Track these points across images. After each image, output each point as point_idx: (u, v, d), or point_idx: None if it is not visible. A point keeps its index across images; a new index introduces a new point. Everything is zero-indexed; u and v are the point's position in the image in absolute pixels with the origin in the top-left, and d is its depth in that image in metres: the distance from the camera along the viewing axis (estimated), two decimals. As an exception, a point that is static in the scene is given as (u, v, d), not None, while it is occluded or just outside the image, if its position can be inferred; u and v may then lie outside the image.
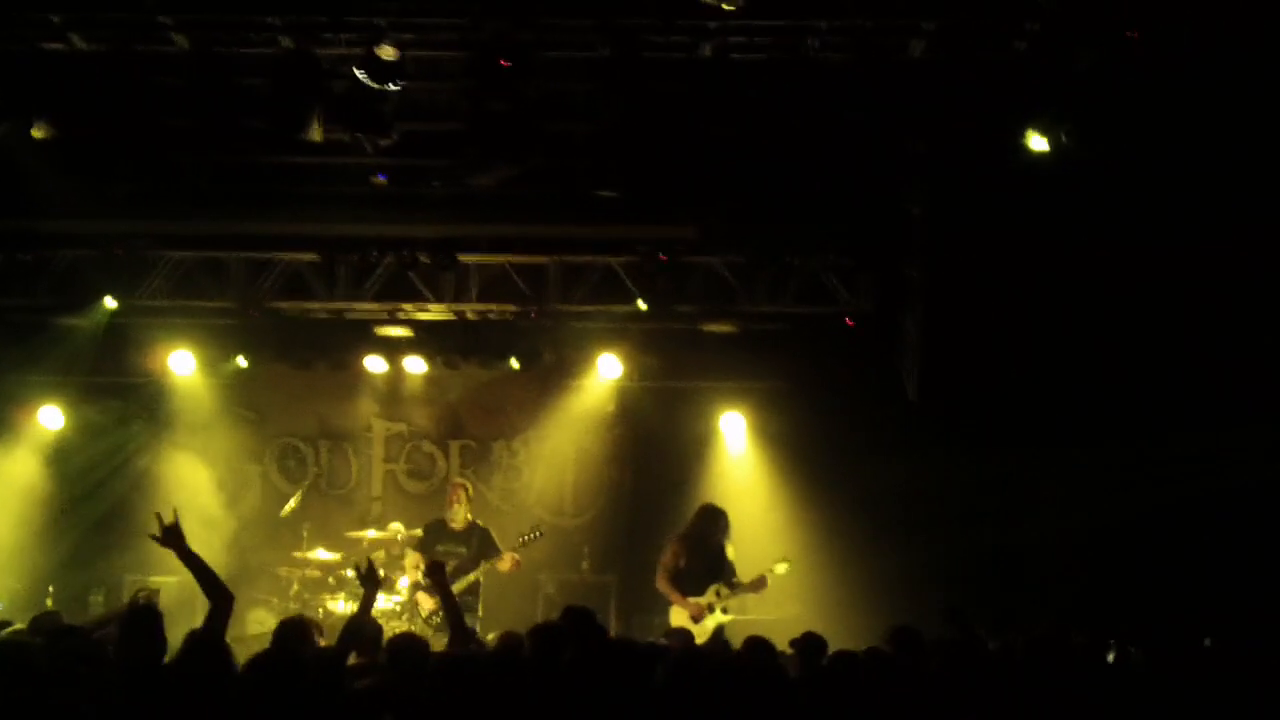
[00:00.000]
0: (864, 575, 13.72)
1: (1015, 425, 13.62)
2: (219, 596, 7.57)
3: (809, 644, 8.63)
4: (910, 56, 10.87)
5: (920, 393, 14.06)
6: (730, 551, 13.00)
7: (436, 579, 9.24)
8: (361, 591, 8.13)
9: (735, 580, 12.84)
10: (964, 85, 10.95)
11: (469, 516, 13.37)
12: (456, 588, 12.55)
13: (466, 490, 13.60)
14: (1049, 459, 13.55)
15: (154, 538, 7.81)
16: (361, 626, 7.97)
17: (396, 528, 13.83)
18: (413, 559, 13.07)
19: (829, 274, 14.29)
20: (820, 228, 13.46)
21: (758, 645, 8.38)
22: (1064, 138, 10.92)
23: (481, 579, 13.01)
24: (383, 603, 13.16)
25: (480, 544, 13.14)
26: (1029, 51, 10.75)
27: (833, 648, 8.33)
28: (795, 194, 12.68)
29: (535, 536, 13.33)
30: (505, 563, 13.04)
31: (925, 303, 13.88)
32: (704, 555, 12.93)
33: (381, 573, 8.56)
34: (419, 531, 13.52)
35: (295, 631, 8.15)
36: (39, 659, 7.03)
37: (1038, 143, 11.11)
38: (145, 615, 7.78)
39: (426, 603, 12.76)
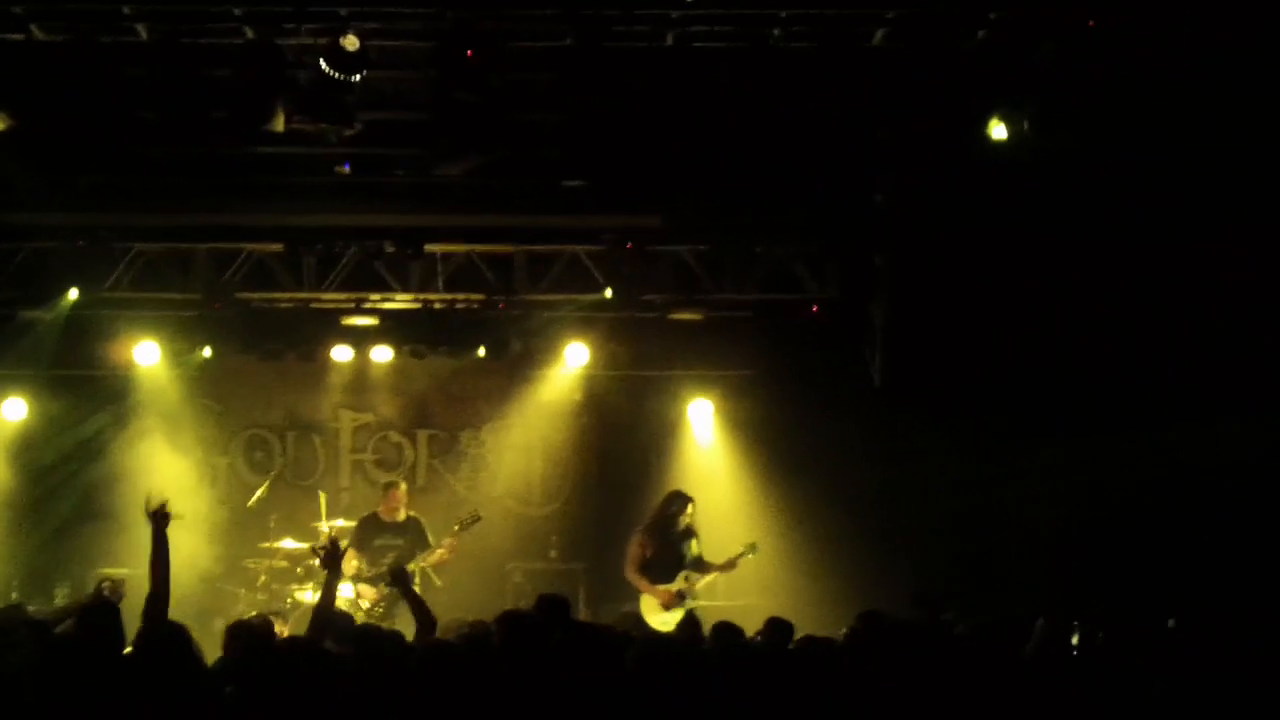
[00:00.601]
0: (833, 563, 13.80)
1: (982, 413, 13.71)
2: (163, 586, 7.64)
3: (775, 629, 8.69)
4: (873, 45, 10.91)
5: (885, 379, 14.13)
6: (697, 538, 13.06)
7: (402, 587, 9.16)
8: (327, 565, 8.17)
9: (705, 562, 12.90)
10: (927, 74, 10.97)
11: (408, 511, 13.43)
12: None
13: (403, 486, 13.69)
14: (1016, 447, 13.64)
15: (150, 513, 7.89)
16: (330, 613, 7.99)
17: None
18: (349, 554, 13.03)
19: (795, 262, 14.36)
20: (786, 215, 13.49)
21: (725, 630, 8.44)
22: (1026, 127, 10.99)
23: (421, 569, 12.93)
24: (310, 595, 13.19)
25: (416, 536, 13.20)
26: (991, 40, 10.81)
27: (800, 634, 8.39)
28: (761, 182, 12.70)
29: (472, 521, 13.31)
30: (434, 557, 13.04)
31: (891, 290, 13.94)
32: (670, 543, 12.98)
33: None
34: (337, 523, 13.53)
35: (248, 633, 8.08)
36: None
37: (999, 131, 11.19)
38: (102, 608, 7.78)
39: (368, 594, 12.81)
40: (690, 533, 13.05)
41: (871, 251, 14.03)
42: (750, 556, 12.95)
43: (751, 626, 8.90)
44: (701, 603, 12.75)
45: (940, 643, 7.96)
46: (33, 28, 10.32)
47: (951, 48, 10.80)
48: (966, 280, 13.39)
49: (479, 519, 13.42)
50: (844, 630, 8.62)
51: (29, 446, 15.01)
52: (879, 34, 10.78)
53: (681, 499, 13.14)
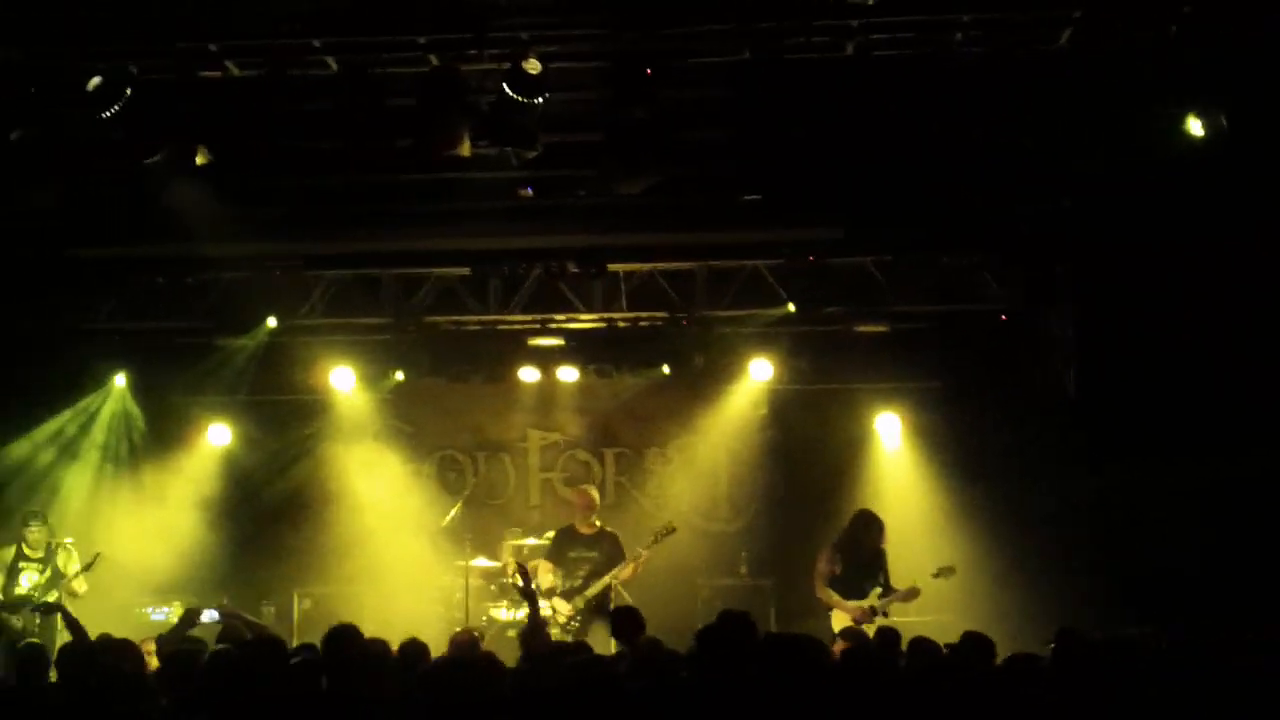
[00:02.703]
0: (1023, 578, 13.45)
1: (1178, 424, 13.23)
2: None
3: (973, 644, 8.52)
4: (1058, 46, 10.66)
5: (1079, 390, 13.78)
6: (886, 558, 12.90)
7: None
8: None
9: (891, 586, 12.75)
10: (1115, 73, 10.69)
11: (598, 522, 13.49)
12: (590, 592, 12.79)
13: (594, 495, 13.76)
14: (1215, 460, 13.10)
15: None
16: (535, 635, 8.20)
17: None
18: (545, 567, 13.19)
19: (979, 270, 14.11)
20: (969, 224, 13.25)
21: (922, 645, 8.31)
22: (1224, 123, 10.61)
23: (613, 584, 13.06)
24: (505, 613, 13.38)
25: (611, 549, 13.23)
26: (1184, 34, 10.46)
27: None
28: (943, 190, 12.50)
29: (667, 533, 13.33)
30: (629, 568, 13.07)
31: (1078, 298, 13.61)
32: (859, 561, 12.86)
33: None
34: (550, 537, 13.65)
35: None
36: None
37: (1196, 129, 10.81)
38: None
39: (563, 609, 12.89)
40: (881, 555, 12.90)
41: (1058, 259, 13.71)
42: (938, 582, 12.74)
43: (942, 641, 8.74)
44: (893, 619, 12.55)
45: (1145, 659, 7.73)
46: (229, 64, 10.65)
47: (1142, 45, 10.48)
48: (1159, 287, 12.98)
49: (674, 530, 13.46)
50: (1048, 647, 8.41)
51: (234, 470, 15.52)
52: (1065, 35, 10.53)
53: (873, 521, 12.99)
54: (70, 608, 11.25)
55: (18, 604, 12.82)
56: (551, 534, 13.85)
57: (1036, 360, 14.15)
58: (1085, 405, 13.69)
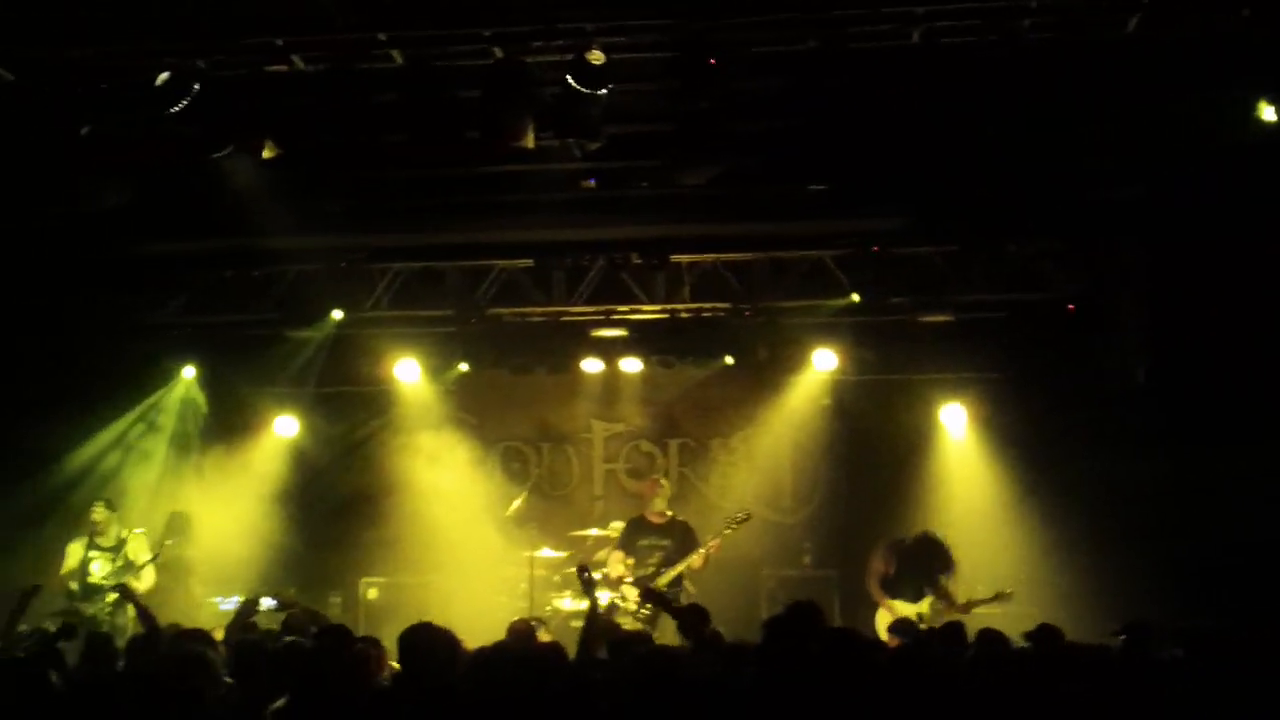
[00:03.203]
0: (1092, 568, 13.32)
1: (1248, 413, 13.06)
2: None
3: (1045, 635, 8.46)
4: (1127, 32, 10.53)
5: (1149, 377, 13.63)
6: (946, 581, 12.82)
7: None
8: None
9: (951, 597, 12.68)
10: (1185, 57, 10.55)
11: (668, 511, 13.48)
12: (662, 580, 12.82)
13: (664, 485, 13.76)
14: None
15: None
16: (595, 625, 8.25)
17: (618, 526, 13.99)
18: (616, 556, 13.22)
19: (1045, 259, 13.99)
20: (1034, 212, 13.13)
21: (991, 637, 8.25)
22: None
23: (685, 573, 13.08)
24: (569, 603, 13.42)
25: (683, 537, 13.22)
26: (1255, 18, 10.30)
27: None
28: (1007, 178, 12.39)
29: (743, 519, 13.31)
30: (698, 559, 13.07)
31: (1148, 285, 13.46)
32: (914, 570, 12.85)
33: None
34: (617, 528, 13.66)
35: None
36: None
37: (1270, 114, 10.65)
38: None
39: (634, 597, 12.90)
40: (939, 568, 12.83)
41: (1125, 246, 13.56)
42: (992, 601, 12.62)
43: (1014, 632, 8.68)
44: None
45: (1220, 652, 7.63)
46: (295, 58, 10.72)
47: (1213, 29, 10.33)
48: (1229, 273, 12.81)
49: (749, 517, 13.46)
50: (1117, 637, 8.35)
51: (301, 461, 15.66)
52: (1133, 20, 10.39)
53: (939, 554, 12.91)
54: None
55: (90, 591, 12.97)
56: (618, 524, 13.89)
57: (1104, 348, 13.98)
58: (1155, 392, 13.52)
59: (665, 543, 13.23)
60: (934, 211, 13.06)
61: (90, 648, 8.84)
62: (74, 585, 13.06)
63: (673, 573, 12.96)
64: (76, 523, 13.74)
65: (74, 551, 13.28)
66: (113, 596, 12.57)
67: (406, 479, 15.42)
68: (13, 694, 6.69)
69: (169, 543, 13.46)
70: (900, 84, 10.80)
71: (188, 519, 14.48)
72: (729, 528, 13.20)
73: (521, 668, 7.15)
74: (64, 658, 8.53)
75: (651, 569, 13.03)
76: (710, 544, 13.08)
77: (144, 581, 12.83)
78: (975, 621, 10.25)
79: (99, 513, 13.36)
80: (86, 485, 14.59)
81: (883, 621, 12.44)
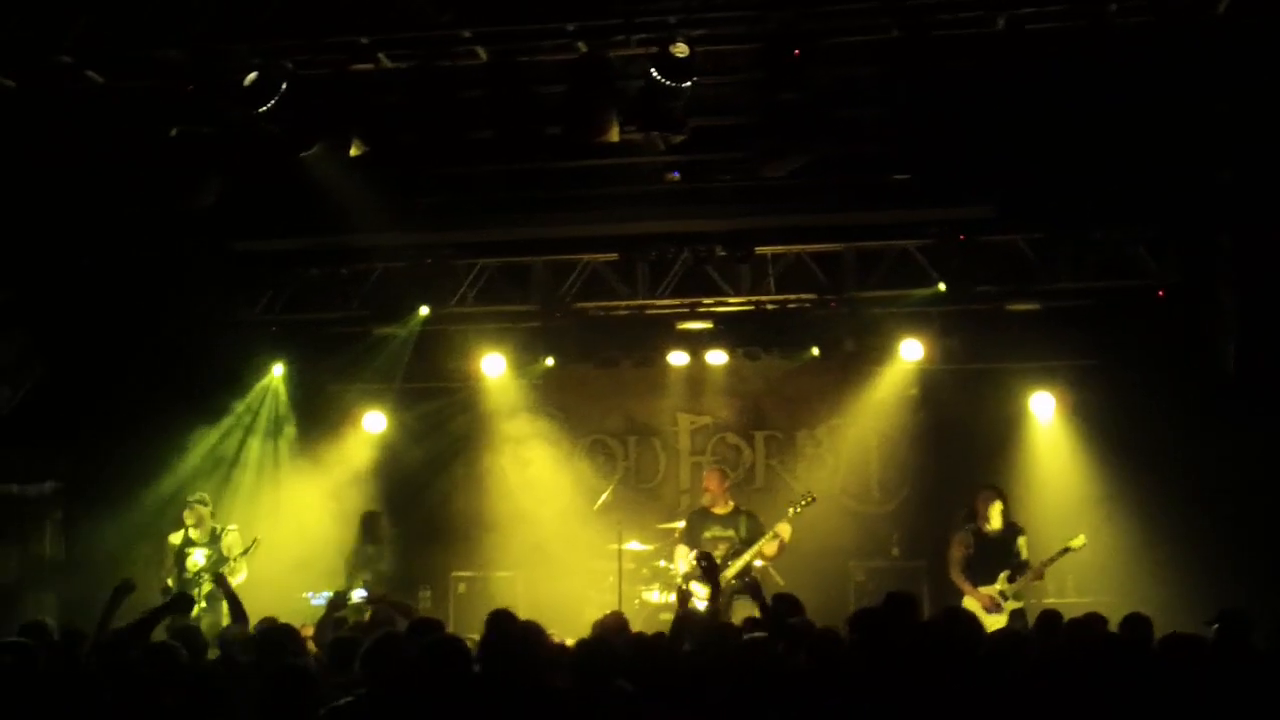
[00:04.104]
0: (1184, 559, 13.14)
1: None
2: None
3: (1135, 626, 8.38)
4: (1216, 14, 10.38)
5: (1239, 367, 13.42)
6: (1024, 535, 12.75)
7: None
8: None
9: (1027, 563, 12.58)
10: (1274, 41, 10.38)
11: (732, 502, 13.49)
12: (730, 571, 12.71)
13: (725, 473, 13.78)
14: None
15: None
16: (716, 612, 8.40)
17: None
18: (681, 551, 13.23)
19: (1134, 246, 13.82)
20: (1123, 198, 12.97)
21: (1081, 625, 8.18)
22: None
23: (755, 562, 13.01)
24: (657, 595, 13.42)
25: (749, 527, 13.20)
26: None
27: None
28: (1096, 165, 12.26)
29: (808, 502, 13.26)
30: (770, 545, 13.01)
31: (1239, 272, 13.25)
32: (989, 541, 12.74)
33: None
34: (679, 524, 13.69)
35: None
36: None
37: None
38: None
39: (704, 590, 12.89)
40: (1013, 531, 12.74)
41: (1217, 233, 13.36)
42: (1072, 552, 12.51)
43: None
44: (1055, 601, 12.35)
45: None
46: (381, 56, 10.83)
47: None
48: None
49: (814, 500, 13.39)
50: (1210, 627, 8.24)
51: (390, 456, 15.80)
52: (1224, 3, 10.24)
53: (985, 495, 12.83)
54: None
55: (187, 584, 13.19)
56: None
57: (1195, 335, 13.79)
58: (1247, 378, 13.30)
59: (729, 533, 13.19)
60: (1020, 199, 12.94)
61: (175, 636, 8.98)
62: (170, 580, 13.30)
63: (740, 563, 12.88)
64: (176, 514, 13.99)
65: (172, 544, 13.56)
66: (208, 587, 12.79)
67: (494, 474, 15.57)
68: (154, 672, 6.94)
69: (257, 538, 13.55)
70: (985, 71, 10.72)
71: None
72: (795, 510, 13.15)
73: (631, 659, 7.20)
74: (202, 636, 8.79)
75: (718, 560, 12.98)
76: (779, 528, 13.03)
77: (237, 574, 13.02)
78: (1070, 611, 10.13)
79: (196, 507, 13.61)
80: (184, 479, 14.82)
81: (972, 607, 12.36)
